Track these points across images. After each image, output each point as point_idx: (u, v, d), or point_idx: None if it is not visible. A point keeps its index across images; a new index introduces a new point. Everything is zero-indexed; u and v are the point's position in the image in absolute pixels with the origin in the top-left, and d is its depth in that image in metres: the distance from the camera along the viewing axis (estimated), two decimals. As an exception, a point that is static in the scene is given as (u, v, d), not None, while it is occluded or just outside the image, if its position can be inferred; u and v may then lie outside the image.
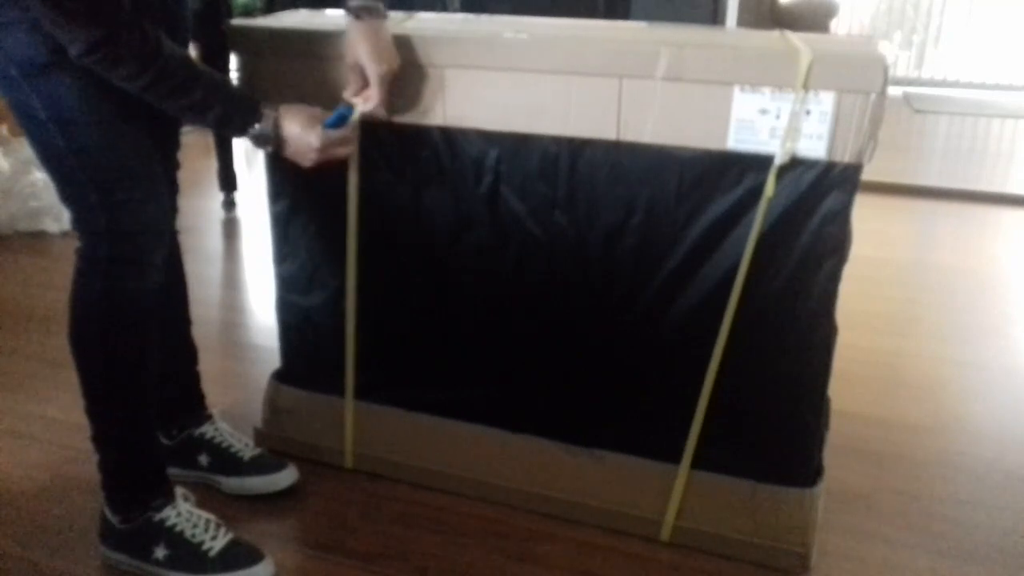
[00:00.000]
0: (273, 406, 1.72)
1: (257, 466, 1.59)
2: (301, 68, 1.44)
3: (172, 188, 1.45)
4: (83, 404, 1.34)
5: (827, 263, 1.29)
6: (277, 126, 1.29)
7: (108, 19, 1.10)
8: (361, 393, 1.64)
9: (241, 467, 1.59)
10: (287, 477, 1.60)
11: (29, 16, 1.12)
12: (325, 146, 1.32)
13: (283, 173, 1.55)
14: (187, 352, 1.61)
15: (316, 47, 1.43)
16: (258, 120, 1.27)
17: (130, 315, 1.31)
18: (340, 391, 1.65)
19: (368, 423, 1.65)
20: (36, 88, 1.18)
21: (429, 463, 1.61)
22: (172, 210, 1.42)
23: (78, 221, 1.29)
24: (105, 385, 1.33)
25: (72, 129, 1.21)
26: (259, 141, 1.29)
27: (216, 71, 1.24)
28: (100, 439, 1.36)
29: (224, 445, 1.60)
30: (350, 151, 1.40)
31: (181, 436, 1.60)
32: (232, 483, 1.59)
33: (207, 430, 1.61)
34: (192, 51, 5.04)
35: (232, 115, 1.26)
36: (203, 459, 1.60)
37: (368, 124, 1.43)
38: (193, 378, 1.63)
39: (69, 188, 1.26)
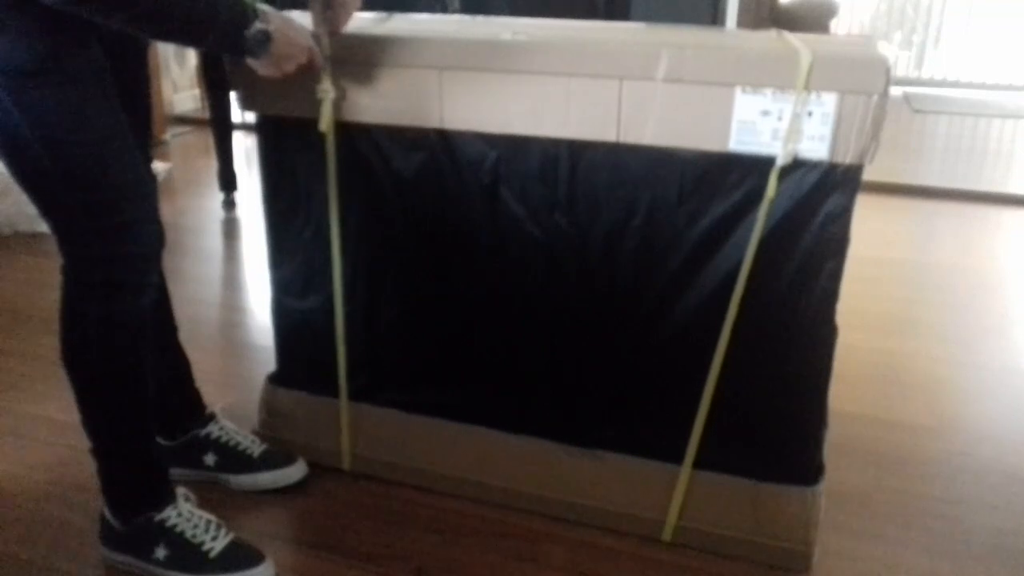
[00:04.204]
0: (269, 408, 1.72)
1: (268, 462, 1.60)
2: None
3: None
4: (79, 419, 1.33)
5: (828, 264, 1.29)
6: (267, 20, 1.18)
7: None
8: (359, 395, 1.64)
9: (252, 464, 1.59)
10: (298, 471, 1.61)
11: (21, 19, 1.06)
12: (305, 40, 1.25)
13: (280, 176, 1.55)
14: (180, 359, 1.60)
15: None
16: (255, 17, 1.16)
17: (128, 336, 1.28)
18: (337, 393, 1.64)
19: (366, 425, 1.65)
20: (20, 101, 1.09)
21: (428, 465, 1.61)
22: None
23: (67, 245, 1.21)
24: (105, 403, 1.32)
25: (61, 149, 1.12)
26: (254, 41, 1.17)
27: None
28: (100, 452, 1.36)
29: (232, 444, 1.61)
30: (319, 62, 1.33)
31: (185, 438, 1.60)
32: (243, 480, 1.59)
33: (212, 430, 1.61)
34: (192, 54, 4.99)
35: (231, 21, 1.14)
36: (209, 459, 1.59)
37: (365, 127, 1.43)
38: (190, 382, 1.63)
39: (56, 213, 1.18)
